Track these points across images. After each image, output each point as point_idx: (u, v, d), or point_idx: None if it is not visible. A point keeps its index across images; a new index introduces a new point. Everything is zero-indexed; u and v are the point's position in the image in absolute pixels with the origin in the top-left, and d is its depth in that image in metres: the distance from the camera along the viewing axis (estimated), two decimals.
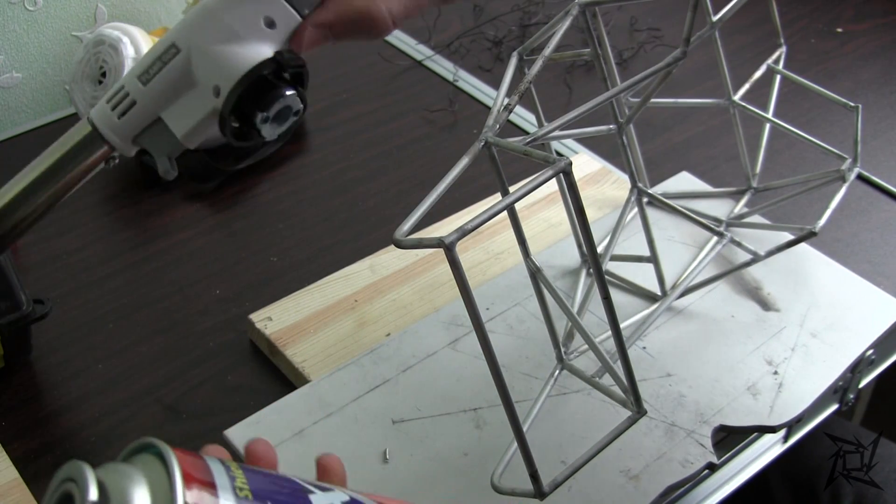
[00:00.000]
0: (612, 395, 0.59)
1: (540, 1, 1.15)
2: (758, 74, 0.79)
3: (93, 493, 0.31)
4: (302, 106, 0.45)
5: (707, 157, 0.92)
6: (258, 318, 0.72)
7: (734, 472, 0.67)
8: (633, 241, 0.77)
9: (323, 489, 0.37)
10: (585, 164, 0.88)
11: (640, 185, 0.73)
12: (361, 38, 0.45)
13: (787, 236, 0.75)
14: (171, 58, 0.44)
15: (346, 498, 0.38)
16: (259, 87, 0.43)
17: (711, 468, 0.62)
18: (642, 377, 0.67)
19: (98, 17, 1.02)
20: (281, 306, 0.73)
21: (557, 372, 0.65)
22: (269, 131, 0.45)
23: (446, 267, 0.66)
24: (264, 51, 0.43)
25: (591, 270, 0.74)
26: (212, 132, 0.47)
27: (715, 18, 0.70)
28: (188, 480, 0.32)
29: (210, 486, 0.33)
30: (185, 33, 0.44)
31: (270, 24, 0.44)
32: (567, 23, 0.61)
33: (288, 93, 0.43)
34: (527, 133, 0.66)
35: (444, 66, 1.05)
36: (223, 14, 0.44)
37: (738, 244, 0.75)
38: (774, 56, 0.81)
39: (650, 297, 0.73)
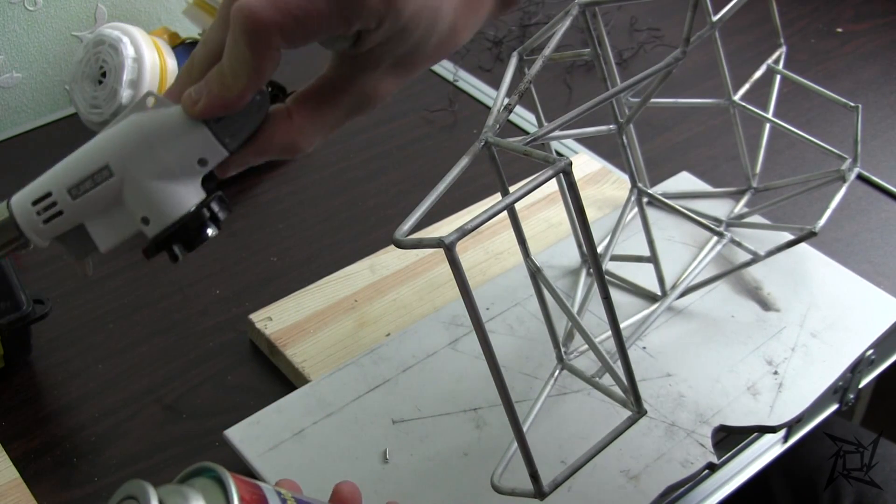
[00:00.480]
0: (612, 395, 0.59)
1: (540, 1, 1.15)
2: (758, 74, 0.79)
3: None
4: (217, 229, 0.48)
5: (707, 157, 0.92)
6: (258, 318, 0.72)
7: (734, 472, 0.67)
8: (633, 241, 0.77)
9: None
10: (585, 164, 0.88)
11: (640, 185, 0.73)
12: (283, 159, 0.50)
13: (787, 236, 0.75)
14: (104, 179, 0.46)
15: None
16: (187, 230, 0.46)
17: (711, 468, 0.62)
18: (642, 377, 0.67)
19: (98, 17, 1.02)
20: (281, 306, 0.73)
21: (557, 372, 0.65)
22: (181, 253, 0.47)
23: (446, 267, 0.66)
24: (194, 192, 0.46)
25: (591, 270, 0.74)
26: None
27: (715, 18, 0.70)
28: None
29: None
30: (120, 159, 0.46)
31: (203, 163, 0.46)
32: (567, 23, 0.61)
33: (210, 232, 0.46)
34: (527, 133, 0.66)
35: (444, 66, 1.05)
36: (160, 149, 0.45)
37: (738, 244, 0.75)
38: (774, 56, 0.81)
39: (650, 297, 0.73)
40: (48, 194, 0.47)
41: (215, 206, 0.46)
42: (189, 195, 0.45)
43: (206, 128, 0.45)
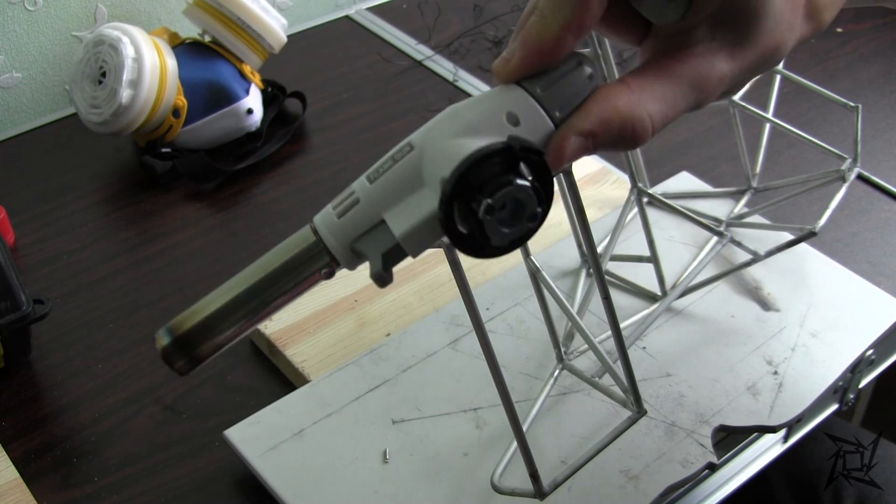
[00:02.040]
0: (612, 395, 0.59)
1: None
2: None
3: None
4: (540, 209, 0.37)
5: (707, 157, 0.92)
6: None
7: (734, 472, 0.67)
8: (633, 241, 0.77)
9: None
10: (585, 164, 0.88)
11: (640, 185, 0.73)
12: (620, 149, 0.40)
13: (787, 236, 0.75)
14: (404, 155, 0.39)
15: None
16: (484, 172, 0.36)
17: (711, 468, 0.62)
18: (642, 377, 0.67)
19: (98, 17, 1.02)
20: None
21: (557, 372, 0.65)
22: (495, 229, 0.37)
23: (446, 267, 0.66)
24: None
25: (591, 270, 0.74)
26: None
27: None
28: None
29: None
30: (423, 133, 0.40)
31: (514, 121, 0.38)
32: None
33: (519, 182, 0.36)
34: None
35: (444, 66, 1.05)
36: (465, 110, 0.39)
37: (738, 244, 0.75)
38: None
39: (650, 297, 0.73)
40: (351, 192, 0.41)
41: (524, 144, 0.36)
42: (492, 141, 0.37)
43: (520, 88, 0.38)
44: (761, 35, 0.40)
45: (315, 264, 0.41)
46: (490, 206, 0.36)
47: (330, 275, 0.42)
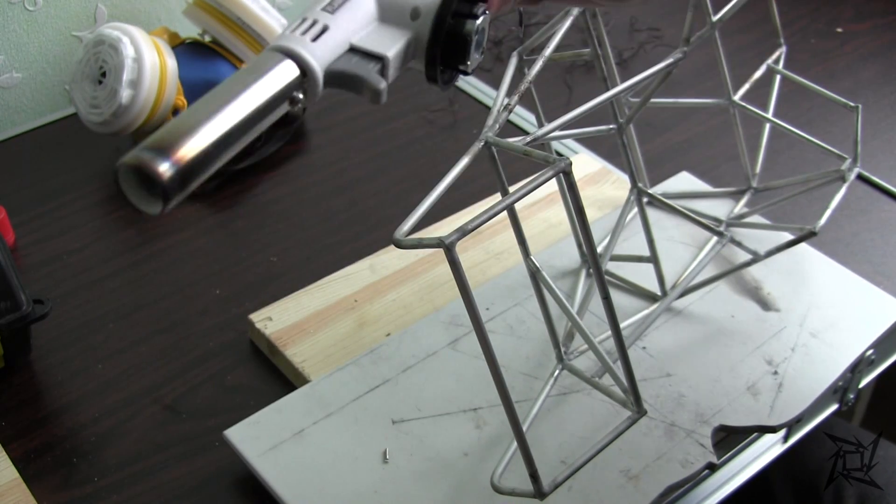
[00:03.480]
0: (612, 395, 0.59)
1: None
2: (758, 74, 0.79)
3: None
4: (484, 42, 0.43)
5: (707, 157, 0.92)
6: (258, 318, 0.72)
7: (734, 472, 0.67)
8: (633, 241, 0.77)
9: None
10: (585, 164, 0.88)
11: (640, 185, 0.73)
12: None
13: (787, 236, 0.75)
14: None
15: None
16: (467, 5, 0.41)
17: (711, 468, 0.62)
18: (642, 377, 0.67)
19: (98, 17, 1.02)
20: (281, 306, 0.73)
21: (557, 372, 0.65)
22: (472, 56, 0.42)
23: (446, 267, 0.66)
24: None
25: (591, 270, 0.74)
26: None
27: (715, 18, 0.70)
28: None
29: None
30: None
31: None
32: (567, 23, 0.61)
33: (487, 11, 0.42)
34: (527, 133, 0.66)
35: None
36: None
37: (738, 244, 0.75)
38: (774, 56, 0.81)
39: (650, 297, 0.73)
40: (304, 18, 0.42)
41: None
42: None
43: None
44: None
45: (292, 87, 0.42)
46: (477, 28, 0.41)
47: (297, 103, 0.42)
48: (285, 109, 0.42)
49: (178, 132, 0.38)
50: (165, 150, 0.37)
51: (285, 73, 0.41)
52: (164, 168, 0.37)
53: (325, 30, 0.41)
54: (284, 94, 0.41)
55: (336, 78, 0.42)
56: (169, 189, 0.37)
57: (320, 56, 0.41)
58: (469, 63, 0.42)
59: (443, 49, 0.41)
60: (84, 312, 0.76)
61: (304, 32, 0.41)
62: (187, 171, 0.38)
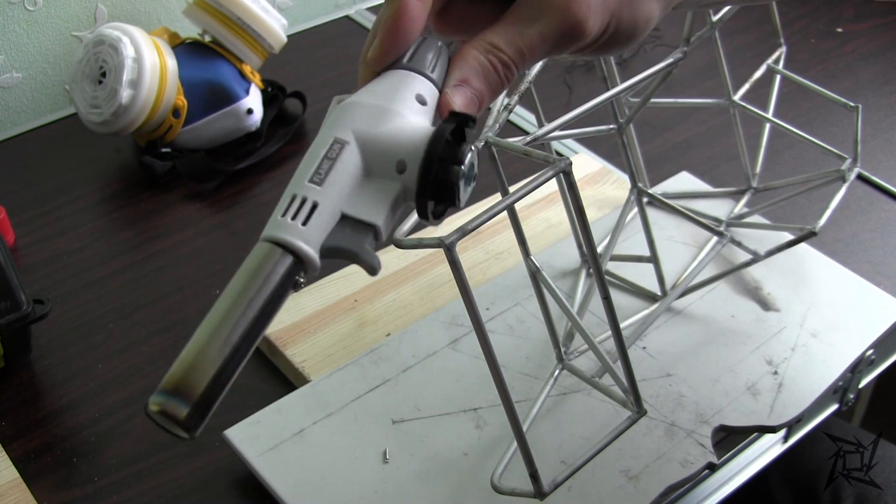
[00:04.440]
0: (612, 395, 0.59)
1: None
2: (758, 74, 0.79)
3: None
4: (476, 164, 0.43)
5: (707, 157, 0.92)
6: None
7: (734, 472, 0.67)
8: (633, 241, 0.77)
9: None
10: (585, 164, 0.88)
11: (640, 185, 0.73)
12: (498, 87, 0.44)
13: (787, 236, 0.75)
14: (339, 153, 0.41)
15: None
16: (450, 151, 0.41)
17: (711, 468, 0.62)
18: (642, 377, 0.67)
19: (98, 17, 1.02)
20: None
21: (557, 372, 0.65)
22: (463, 193, 0.41)
23: (446, 267, 0.66)
24: (424, 124, 0.42)
25: (591, 270, 0.74)
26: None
27: (715, 18, 0.70)
28: None
29: None
30: (346, 128, 0.42)
31: (422, 101, 0.43)
32: None
33: (473, 147, 0.41)
34: (527, 133, 0.66)
35: None
36: (377, 100, 0.42)
37: (738, 244, 0.75)
38: (774, 56, 0.81)
39: (650, 297, 0.73)
40: (293, 196, 0.41)
41: (465, 116, 0.42)
42: (423, 124, 0.42)
43: (408, 71, 0.43)
44: None
45: (292, 277, 0.42)
46: (462, 172, 0.41)
47: (300, 285, 0.43)
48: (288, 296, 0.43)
49: (196, 371, 0.40)
50: (184, 394, 0.40)
51: (284, 268, 0.42)
52: (185, 411, 0.39)
53: (314, 207, 0.41)
54: (285, 288, 0.42)
55: (332, 252, 0.42)
56: (193, 426, 0.40)
57: (314, 239, 0.42)
58: (460, 200, 0.41)
59: (432, 196, 0.41)
60: (84, 312, 0.76)
61: (295, 216, 0.41)
62: (207, 405, 0.40)
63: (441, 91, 0.43)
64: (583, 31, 0.42)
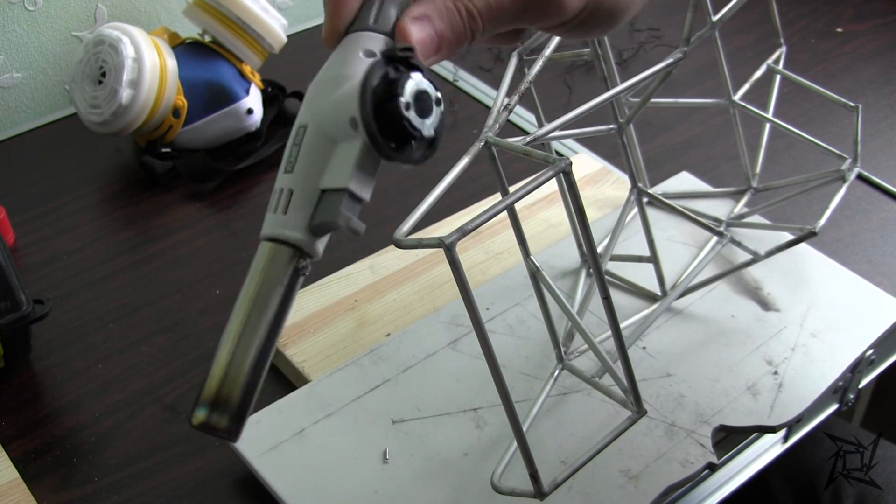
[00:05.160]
0: (612, 395, 0.59)
1: None
2: (758, 74, 0.79)
3: None
4: (438, 92, 0.41)
5: (707, 157, 0.92)
6: None
7: (734, 472, 0.67)
8: (633, 241, 0.77)
9: None
10: (585, 164, 0.88)
11: (640, 185, 0.73)
12: (460, 39, 0.42)
13: (787, 236, 0.75)
14: (303, 136, 0.42)
15: None
16: (384, 84, 0.40)
17: (711, 468, 0.62)
18: (642, 377, 0.67)
19: (98, 17, 1.02)
20: None
21: (557, 372, 0.65)
22: (418, 122, 0.40)
23: (446, 267, 0.66)
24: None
25: (591, 270, 0.74)
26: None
27: (715, 18, 0.70)
28: None
29: None
30: (305, 111, 0.43)
31: (370, 54, 0.42)
32: None
33: (413, 74, 0.40)
34: (527, 133, 0.66)
35: (444, 66, 1.05)
36: (327, 74, 0.43)
37: (738, 244, 0.75)
38: (774, 56, 0.81)
39: (650, 297, 0.73)
40: (274, 191, 0.42)
41: (392, 47, 0.41)
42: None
43: (353, 32, 0.42)
44: None
45: (293, 267, 0.42)
46: (405, 102, 0.40)
47: (305, 270, 0.43)
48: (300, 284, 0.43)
49: (229, 382, 0.43)
50: (221, 405, 0.43)
51: (284, 260, 0.42)
52: (224, 421, 0.42)
53: (291, 194, 0.42)
54: (293, 280, 0.43)
55: (318, 229, 0.43)
56: (234, 432, 0.43)
57: (299, 223, 0.42)
58: (419, 131, 0.40)
59: (385, 135, 0.40)
60: (84, 312, 0.76)
61: (276, 208, 0.42)
62: (243, 410, 0.43)
63: (399, 21, 0.42)
64: (561, 4, 0.41)
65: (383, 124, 0.40)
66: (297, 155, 0.42)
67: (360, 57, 0.42)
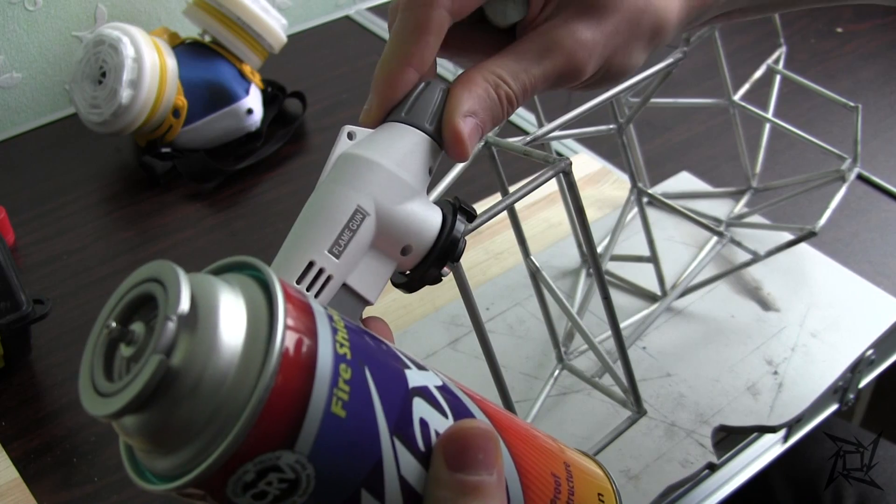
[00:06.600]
0: (612, 395, 0.59)
1: None
2: (758, 74, 0.79)
3: (185, 302, 0.26)
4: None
5: (707, 157, 0.92)
6: None
7: (734, 472, 0.67)
8: (633, 241, 0.77)
9: (419, 367, 0.34)
10: (585, 164, 0.88)
11: (640, 185, 0.73)
12: (498, 117, 0.45)
13: (787, 236, 0.75)
14: (359, 224, 0.41)
15: (440, 382, 0.36)
16: (454, 241, 0.43)
17: (711, 468, 0.62)
18: (642, 377, 0.67)
19: (98, 17, 1.02)
20: None
21: (557, 372, 0.65)
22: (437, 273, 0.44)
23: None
24: (431, 205, 0.43)
25: (591, 270, 0.74)
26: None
27: None
28: (289, 318, 0.27)
29: (310, 333, 0.28)
30: (368, 195, 0.42)
31: (431, 171, 0.44)
32: None
33: (464, 234, 0.43)
34: (527, 133, 0.66)
35: (444, 66, 1.05)
36: (400, 172, 0.42)
37: (738, 244, 0.75)
38: (774, 56, 0.81)
39: (650, 297, 0.73)
40: (311, 264, 0.41)
41: (464, 205, 0.43)
42: (431, 208, 0.43)
43: (410, 127, 0.43)
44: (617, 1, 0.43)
45: None
46: (461, 251, 0.43)
47: None
48: None
49: None
50: None
51: None
52: None
53: (328, 280, 0.42)
54: None
55: None
56: None
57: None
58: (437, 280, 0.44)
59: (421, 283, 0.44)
60: (84, 312, 0.76)
61: (310, 286, 0.42)
62: None
63: (449, 117, 0.43)
64: (581, 74, 0.44)
65: (437, 262, 0.43)
66: (348, 242, 0.42)
67: (425, 173, 0.43)
